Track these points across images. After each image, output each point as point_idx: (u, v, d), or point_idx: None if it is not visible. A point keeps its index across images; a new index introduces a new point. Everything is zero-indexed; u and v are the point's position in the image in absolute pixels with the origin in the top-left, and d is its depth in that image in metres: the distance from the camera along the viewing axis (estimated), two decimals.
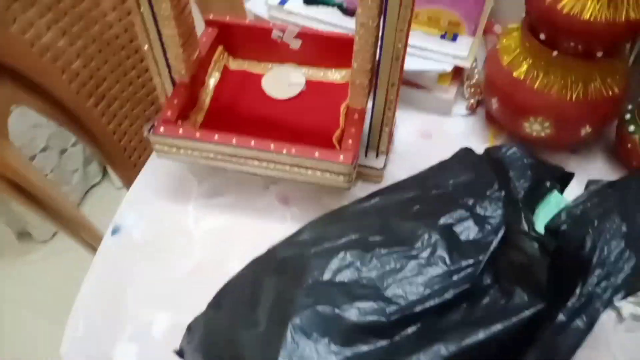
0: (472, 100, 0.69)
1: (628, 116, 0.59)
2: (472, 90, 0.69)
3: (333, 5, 0.72)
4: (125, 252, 0.58)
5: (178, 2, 0.52)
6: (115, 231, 0.60)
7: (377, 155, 0.61)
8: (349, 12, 0.71)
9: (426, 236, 0.41)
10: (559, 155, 0.64)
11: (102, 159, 0.78)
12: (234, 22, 0.64)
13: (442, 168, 0.50)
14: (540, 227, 0.42)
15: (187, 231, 0.59)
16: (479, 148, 0.66)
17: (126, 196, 0.63)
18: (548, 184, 0.44)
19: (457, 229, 0.41)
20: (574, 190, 0.48)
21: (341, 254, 0.41)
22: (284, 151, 0.52)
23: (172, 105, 0.57)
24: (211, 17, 0.64)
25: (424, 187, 0.47)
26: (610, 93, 0.56)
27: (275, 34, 0.64)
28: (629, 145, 0.59)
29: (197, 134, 0.54)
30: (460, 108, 0.69)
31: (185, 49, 0.56)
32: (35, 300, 1.38)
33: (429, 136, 0.67)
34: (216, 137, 0.54)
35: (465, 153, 0.52)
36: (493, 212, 0.42)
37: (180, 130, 0.54)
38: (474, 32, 0.68)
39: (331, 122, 0.60)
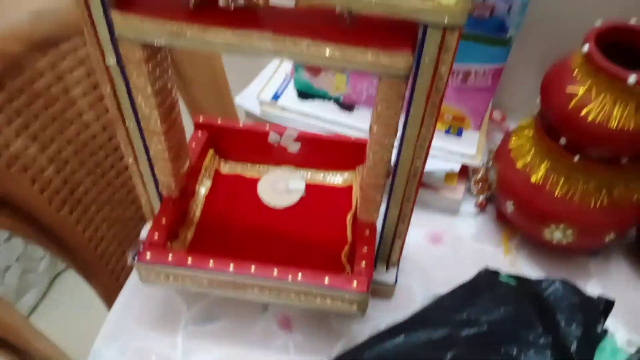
0: (480, 198, 0.65)
1: None
2: (480, 186, 0.65)
3: (329, 99, 0.68)
4: None
5: (168, 116, 0.47)
6: None
7: (387, 268, 0.55)
8: (346, 106, 0.67)
9: None
10: (578, 260, 0.60)
11: (77, 270, 0.70)
12: (226, 124, 0.59)
13: (468, 295, 0.44)
14: None
15: None
16: (494, 253, 0.61)
17: (105, 323, 0.55)
18: (599, 328, 0.38)
19: None
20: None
21: None
22: (289, 278, 0.46)
23: (159, 225, 0.50)
24: (201, 120, 0.59)
25: (453, 322, 0.41)
26: (635, 198, 0.52)
27: (272, 137, 0.59)
28: None
29: (189, 260, 0.47)
30: (469, 206, 0.65)
31: (174, 163, 0.50)
32: None
33: (439, 240, 0.62)
34: (211, 263, 0.47)
35: (490, 275, 0.46)
36: None
37: (170, 257, 0.48)
38: (479, 126, 0.64)
39: (337, 236, 0.54)
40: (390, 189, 0.46)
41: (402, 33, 0.36)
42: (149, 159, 0.50)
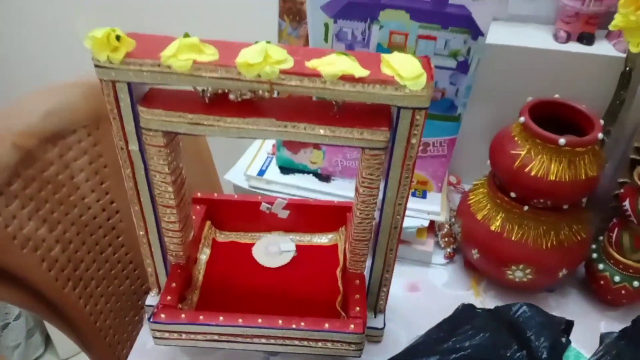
0: (448, 250, 0.73)
1: (595, 255, 0.65)
2: (447, 239, 0.74)
3: (308, 172, 0.77)
4: None
5: (179, 192, 0.54)
6: None
7: (375, 315, 0.62)
8: (323, 178, 0.76)
9: None
10: (538, 296, 0.68)
11: (78, 344, 0.73)
12: (222, 198, 0.67)
13: (451, 328, 0.52)
14: None
15: None
16: (465, 296, 0.69)
17: None
18: (564, 339, 0.46)
19: None
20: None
21: None
22: (293, 325, 0.52)
23: (170, 289, 0.56)
24: (199, 195, 0.67)
25: (442, 351, 0.49)
26: (579, 238, 0.62)
27: (263, 206, 0.66)
28: (602, 282, 0.64)
29: (201, 317, 0.53)
30: (439, 257, 0.73)
31: (183, 233, 0.57)
32: None
33: (417, 288, 0.70)
34: (221, 318, 0.53)
35: (468, 309, 0.54)
36: None
37: (183, 316, 0.53)
38: (440, 188, 0.74)
39: (330, 288, 0.61)
40: (375, 242, 0.54)
41: (379, 115, 0.46)
42: (159, 231, 0.57)
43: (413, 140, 0.45)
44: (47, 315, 0.68)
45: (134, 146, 0.49)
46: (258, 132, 0.46)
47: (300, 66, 0.43)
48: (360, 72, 0.42)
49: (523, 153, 0.57)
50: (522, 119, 0.58)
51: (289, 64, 0.43)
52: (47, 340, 1.51)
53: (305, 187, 0.75)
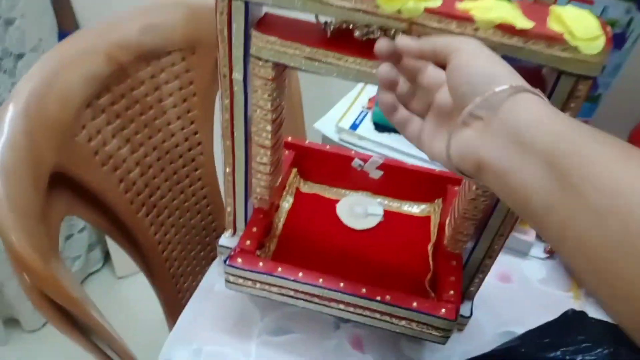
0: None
1: None
2: None
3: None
4: None
5: (277, 132, 0.49)
6: None
7: (462, 301, 0.56)
8: None
9: None
10: None
11: (143, 271, 0.72)
12: (313, 146, 0.62)
13: (558, 334, 0.45)
14: None
15: None
16: (562, 297, 0.62)
17: (176, 326, 0.57)
18: None
19: None
20: None
21: None
22: (378, 297, 0.48)
23: (250, 233, 0.53)
24: (289, 139, 0.62)
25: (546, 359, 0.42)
26: None
27: (356, 162, 0.61)
28: None
29: (280, 269, 0.49)
30: (538, 250, 0.66)
31: (273, 177, 0.52)
32: None
33: (508, 279, 0.63)
34: (300, 274, 0.49)
35: (579, 316, 0.47)
36: None
37: (261, 264, 0.50)
38: None
39: (418, 263, 0.56)
40: (485, 223, 0.48)
41: (529, 76, 0.38)
42: (246, 171, 0.52)
43: (567, 114, 0.38)
44: (115, 236, 0.66)
45: (238, 75, 0.44)
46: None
47: (450, 7, 0.36)
48: (522, 22, 0.35)
49: None
50: None
51: (436, 2, 0.36)
52: (106, 257, 1.55)
53: (400, 150, 0.69)
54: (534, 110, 0.29)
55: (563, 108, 0.38)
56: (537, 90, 0.30)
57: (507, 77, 0.30)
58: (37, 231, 0.50)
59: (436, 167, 0.60)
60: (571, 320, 0.46)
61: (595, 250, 0.25)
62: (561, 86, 0.36)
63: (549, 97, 0.37)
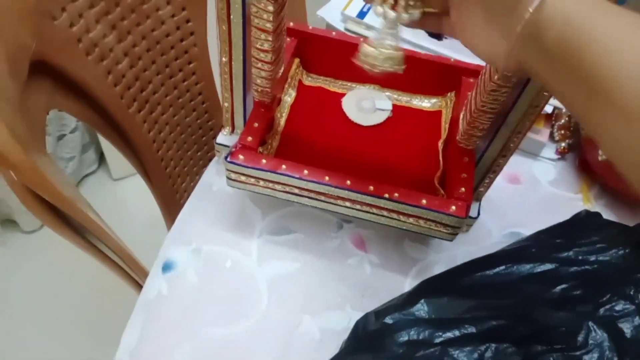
0: (563, 144, 0.63)
1: None
2: (563, 132, 0.63)
3: None
4: (178, 296, 0.50)
5: (279, 14, 0.44)
6: (167, 268, 0.51)
7: None
8: (435, 34, 0.64)
9: (591, 333, 0.34)
10: None
11: (138, 171, 0.69)
12: (317, 33, 0.56)
13: (570, 235, 0.43)
14: None
15: (251, 275, 0.51)
16: (571, 199, 0.60)
17: (174, 226, 0.55)
18: None
19: (623, 325, 0.35)
20: None
21: (483, 349, 0.34)
22: (386, 195, 0.45)
23: (252, 128, 0.49)
24: (291, 25, 0.56)
25: (558, 259, 0.41)
26: None
27: None
28: None
29: (284, 167, 0.46)
30: (549, 151, 0.63)
31: (274, 67, 0.48)
32: (19, 294, 1.26)
33: (517, 181, 0.61)
34: (306, 172, 0.46)
35: (594, 217, 0.45)
36: None
37: (264, 161, 0.46)
38: None
39: (428, 159, 0.53)
40: (503, 118, 0.44)
41: None
42: (245, 60, 0.48)
43: None
44: (108, 134, 0.63)
45: None
46: None
47: None
48: None
49: None
50: None
51: None
52: (101, 158, 1.52)
53: (411, 41, 0.63)
54: None
55: None
56: None
57: None
58: (18, 123, 0.47)
59: (451, 57, 0.56)
60: (584, 221, 0.44)
61: None
62: None
63: None
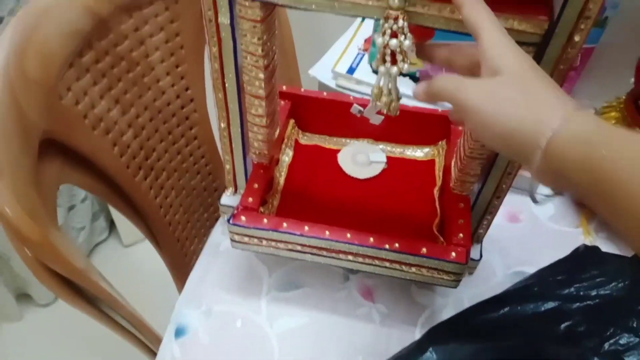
0: None
1: None
2: None
3: (405, 75, 0.67)
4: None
5: (270, 81, 0.47)
6: (179, 333, 0.52)
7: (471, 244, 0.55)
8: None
9: None
10: None
11: (147, 237, 0.71)
12: (309, 94, 0.59)
13: (571, 271, 0.44)
14: None
15: (261, 332, 0.52)
16: (572, 234, 0.61)
17: (184, 289, 0.56)
18: None
19: (629, 358, 0.35)
20: None
21: None
22: (386, 246, 0.46)
23: (252, 190, 0.51)
24: (284, 88, 0.59)
25: (561, 297, 0.41)
26: None
27: (355, 108, 0.58)
28: None
29: (285, 225, 0.48)
30: (546, 188, 0.64)
31: (270, 129, 0.50)
32: None
33: (517, 219, 0.62)
34: (306, 228, 0.47)
35: (593, 252, 0.46)
36: None
37: (266, 221, 0.48)
38: None
39: (425, 208, 0.54)
40: (492, 162, 0.46)
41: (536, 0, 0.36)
42: (242, 124, 0.50)
43: (576, 38, 0.35)
44: (117, 203, 0.65)
45: (224, 18, 0.41)
46: (378, 10, 0.37)
47: None
48: None
49: None
50: None
51: None
52: (112, 225, 1.54)
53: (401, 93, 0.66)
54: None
55: (573, 29, 0.35)
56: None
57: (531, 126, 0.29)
58: (31, 200, 0.49)
59: (439, 107, 0.58)
60: (584, 256, 0.45)
61: None
62: (569, 6, 0.34)
63: (558, 19, 0.34)
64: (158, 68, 0.66)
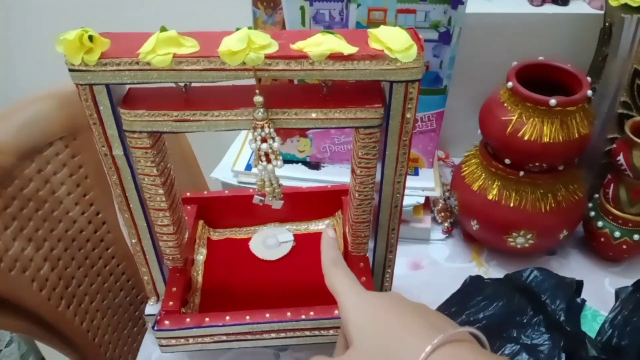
0: (446, 224, 0.73)
1: (593, 213, 0.65)
2: (443, 214, 0.73)
3: (297, 162, 0.75)
4: None
5: (170, 193, 0.52)
6: None
7: None
8: (313, 165, 0.75)
9: None
10: (540, 260, 0.68)
11: None
12: (212, 195, 0.65)
13: (462, 301, 0.51)
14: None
15: None
16: (468, 268, 0.69)
17: None
18: (578, 300, 0.46)
19: None
20: None
21: None
22: (303, 316, 0.51)
23: (171, 294, 0.54)
24: (188, 195, 0.65)
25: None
26: (576, 197, 0.61)
27: (256, 199, 0.65)
28: (602, 239, 0.64)
29: (207, 319, 0.52)
30: (437, 233, 0.73)
31: (178, 236, 0.55)
32: None
33: (419, 266, 0.69)
34: (227, 318, 0.52)
35: (476, 280, 0.53)
36: (539, 338, 0.43)
37: (188, 320, 0.52)
38: (431, 163, 0.74)
39: None
40: (376, 223, 0.53)
41: (371, 92, 0.45)
42: (152, 237, 0.55)
43: (408, 115, 0.44)
44: (44, 337, 0.65)
45: (118, 151, 0.47)
46: (248, 123, 0.44)
47: (286, 49, 0.41)
48: (348, 49, 0.41)
49: (514, 118, 0.57)
50: (510, 84, 0.57)
51: (273, 48, 0.41)
52: None
53: (296, 177, 0.73)
54: None
55: (403, 110, 0.44)
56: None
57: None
58: None
59: (328, 184, 0.66)
60: (470, 286, 0.52)
61: None
62: (395, 93, 0.43)
63: (389, 104, 0.43)
64: (66, 201, 0.70)
